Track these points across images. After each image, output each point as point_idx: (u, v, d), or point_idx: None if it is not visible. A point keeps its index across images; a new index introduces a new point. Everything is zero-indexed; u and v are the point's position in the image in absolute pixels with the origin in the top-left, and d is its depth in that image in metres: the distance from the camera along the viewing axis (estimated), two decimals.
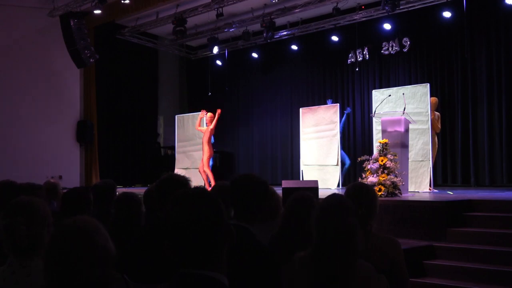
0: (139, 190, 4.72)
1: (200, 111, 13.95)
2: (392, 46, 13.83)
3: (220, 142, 16.76)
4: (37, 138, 13.78)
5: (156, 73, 17.82)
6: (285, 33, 15.30)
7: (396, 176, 8.74)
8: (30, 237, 2.49)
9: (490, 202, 7.83)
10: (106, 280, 1.84)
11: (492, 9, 12.33)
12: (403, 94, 10.49)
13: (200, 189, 1.96)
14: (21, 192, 3.61)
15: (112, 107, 15.98)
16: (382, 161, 8.84)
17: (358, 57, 14.51)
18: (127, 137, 16.31)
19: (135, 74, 16.60)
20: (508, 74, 12.17)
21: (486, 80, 12.46)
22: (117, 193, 4.95)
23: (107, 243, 1.87)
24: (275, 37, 14.60)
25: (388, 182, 8.61)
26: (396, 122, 9.54)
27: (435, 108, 10.84)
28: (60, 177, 13.13)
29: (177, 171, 14.07)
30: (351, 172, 13.94)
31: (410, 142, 10.16)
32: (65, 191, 4.55)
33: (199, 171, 12.61)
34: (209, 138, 12.50)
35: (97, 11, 13.56)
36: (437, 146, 11.12)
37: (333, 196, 2.81)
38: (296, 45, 15.41)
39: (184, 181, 3.43)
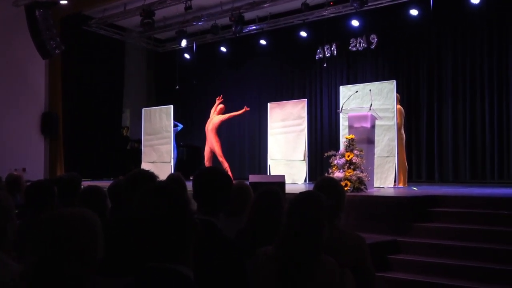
0: (106, 184, 4.67)
1: (167, 104, 14.00)
2: (359, 43, 13.94)
3: (188, 136, 16.68)
4: (0, 130, 13.52)
5: (123, 66, 17.60)
6: (254, 27, 15.27)
7: (362, 172, 8.82)
8: None
9: (454, 198, 7.96)
10: (79, 275, 1.83)
11: (458, 7, 12.50)
12: (370, 90, 10.58)
13: (164, 184, 1.96)
14: None
15: (78, 99, 15.74)
16: (348, 156, 8.91)
17: (326, 53, 14.59)
18: (93, 129, 16.08)
19: (102, 66, 16.37)
20: (473, 72, 12.39)
21: (452, 78, 12.68)
22: (82, 187, 4.90)
23: (93, 240, 1.87)
24: (244, 31, 14.57)
25: (354, 178, 8.69)
26: (363, 118, 9.63)
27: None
28: (24, 169, 12.90)
29: (144, 164, 13.99)
30: (317, 167, 14.05)
31: (376, 138, 10.25)
32: (28, 184, 4.49)
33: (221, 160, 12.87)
34: (217, 128, 12.99)
35: (64, 1, 13.35)
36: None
37: (307, 191, 2.86)
38: (265, 40, 15.40)
39: (153, 177, 3.43)
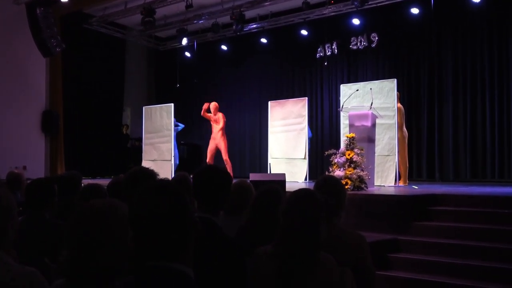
0: (106, 182, 4.67)
1: (168, 102, 14.00)
2: (360, 41, 13.95)
3: (188, 134, 16.68)
4: (1, 128, 13.50)
5: (124, 64, 17.63)
6: (254, 26, 15.28)
7: (362, 170, 8.82)
8: None
9: (454, 196, 7.96)
10: (111, 269, 1.83)
11: (458, 6, 12.51)
12: (371, 89, 10.56)
13: (164, 182, 1.96)
14: None
15: (79, 98, 15.78)
16: (349, 155, 8.91)
17: (327, 51, 14.60)
18: (93, 128, 16.11)
19: (103, 65, 16.39)
20: (473, 71, 12.40)
21: (452, 77, 12.69)
22: (82, 185, 4.89)
23: (123, 233, 1.87)
24: (244, 30, 14.55)
25: (354, 176, 8.69)
26: (363, 116, 9.63)
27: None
28: (25, 167, 12.87)
29: (145, 163, 13.98)
30: (318, 165, 14.05)
31: (377, 137, 10.25)
32: (29, 182, 4.48)
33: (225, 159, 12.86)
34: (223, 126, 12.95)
35: (64, 0, 13.32)
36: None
37: (304, 189, 2.85)
38: (266, 39, 15.41)
39: (153, 174, 3.43)
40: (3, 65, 13.63)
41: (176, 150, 14.08)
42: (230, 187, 2.98)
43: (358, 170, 8.79)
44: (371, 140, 9.68)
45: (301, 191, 2.81)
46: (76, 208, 1.94)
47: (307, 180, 12.49)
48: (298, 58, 15.47)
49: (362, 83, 11.65)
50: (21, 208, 3.92)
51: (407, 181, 10.85)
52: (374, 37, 13.72)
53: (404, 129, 10.82)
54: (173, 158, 13.65)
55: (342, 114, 11.12)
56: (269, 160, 13.45)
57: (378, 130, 10.30)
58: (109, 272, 1.82)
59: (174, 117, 13.93)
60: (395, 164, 10.58)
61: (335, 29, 14.32)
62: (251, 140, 16.41)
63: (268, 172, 13.12)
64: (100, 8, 14.86)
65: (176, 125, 14.13)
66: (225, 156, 12.79)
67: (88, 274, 1.80)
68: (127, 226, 1.87)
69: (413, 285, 6.32)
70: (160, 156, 13.99)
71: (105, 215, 1.85)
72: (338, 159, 9.07)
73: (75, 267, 1.81)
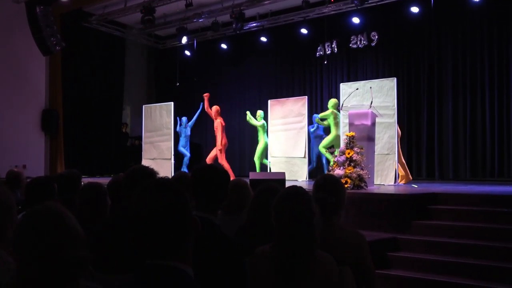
0: (106, 180, 4.67)
1: (167, 101, 13.99)
2: (360, 40, 13.94)
3: None
4: (1, 127, 13.49)
5: (124, 62, 17.61)
6: (254, 24, 15.28)
7: (362, 169, 8.82)
8: None
9: (454, 195, 7.97)
10: (79, 261, 1.81)
11: (458, 5, 12.50)
12: (370, 87, 10.57)
13: (165, 180, 1.95)
14: None
15: (78, 96, 15.77)
16: (348, 154, 8.92)
17: (327, 50, 14.59)
18: (93, 126, 16.11)
19: (102, 63, 16.40)
20: (473, 70, 12.39)
21: (452, 76, 12.68)
22: (82, 183, 4.89)
23: (76, 225, 1.85)
24: (244, 28, 14.54)
25: (354, 175, 8.70)
26: (363, 115, 9.62)
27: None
28: (24, 166, 12.89)
29: (144, 161, 13.98)
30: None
31: (377, 136, 10.25)
32: (29, 180, 4.48)
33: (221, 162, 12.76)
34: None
35: None
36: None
37: (291, 186, 2.85)
38: (265, 37, 15.40)
39: (152, 173, 3.42)
40: (2, 64, 13.63)
41: (188, 149, 14.15)
42: (228, 186, 2.98)
43: (358, 169, 8.80)
44: (371, 139, 9.68)
45: (289, 189, 2.81)
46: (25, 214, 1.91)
47: (307, 179, 12.48)
48: (298, 56, 15.46)
49: (362, 82, 11.66)
50: (20, 207, 3.92)
51: (410, 177, 10.84)
52: (374, 36, 13.71)
53: (397, 126, 10.75)
54: (172, 157, 13.65)
55: (342, 112, 11.13)
56: (269, 159, 13.45)
57: (377, 129, 10.30)
58: (70, 270, 1.79)
59: (174, 116, 13.92)
60: (394, 162, 10.58)
61: (335, 27, 14.31)
62: (251, 138, 16.39)
63: (268, 171, 13.11)
64: (100, 6, 14.85)
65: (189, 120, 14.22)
66: (221, 160, 12.70)
67: (49, 275, 1.77)
68: (77, 223, 1.86)
69: (413, 284, 6.33)
70: (160, 154, 13.98)
71: (56, 213, 1.83)
72: (338, 158, 9.08)
73: (35, 270, 1.78)
